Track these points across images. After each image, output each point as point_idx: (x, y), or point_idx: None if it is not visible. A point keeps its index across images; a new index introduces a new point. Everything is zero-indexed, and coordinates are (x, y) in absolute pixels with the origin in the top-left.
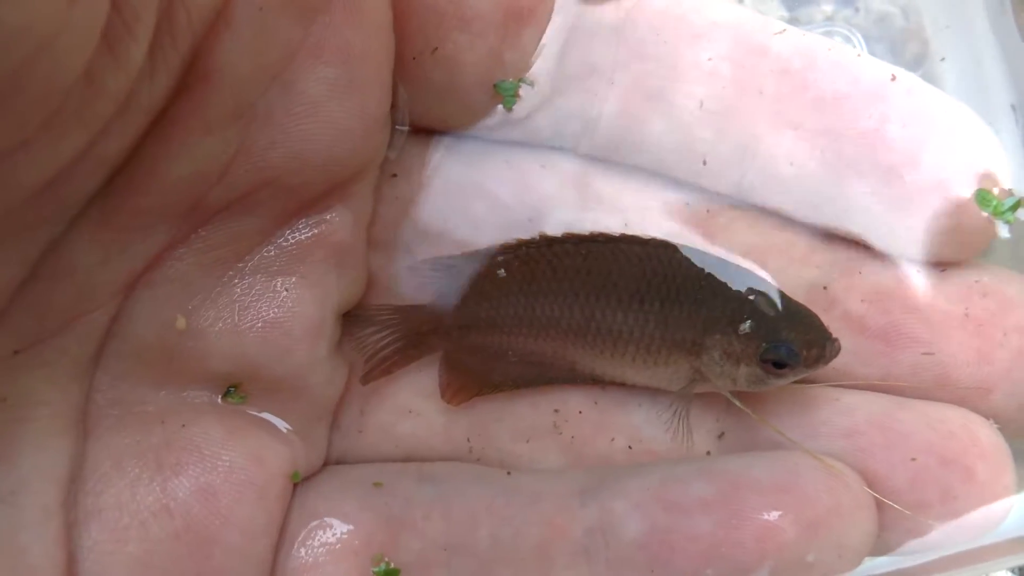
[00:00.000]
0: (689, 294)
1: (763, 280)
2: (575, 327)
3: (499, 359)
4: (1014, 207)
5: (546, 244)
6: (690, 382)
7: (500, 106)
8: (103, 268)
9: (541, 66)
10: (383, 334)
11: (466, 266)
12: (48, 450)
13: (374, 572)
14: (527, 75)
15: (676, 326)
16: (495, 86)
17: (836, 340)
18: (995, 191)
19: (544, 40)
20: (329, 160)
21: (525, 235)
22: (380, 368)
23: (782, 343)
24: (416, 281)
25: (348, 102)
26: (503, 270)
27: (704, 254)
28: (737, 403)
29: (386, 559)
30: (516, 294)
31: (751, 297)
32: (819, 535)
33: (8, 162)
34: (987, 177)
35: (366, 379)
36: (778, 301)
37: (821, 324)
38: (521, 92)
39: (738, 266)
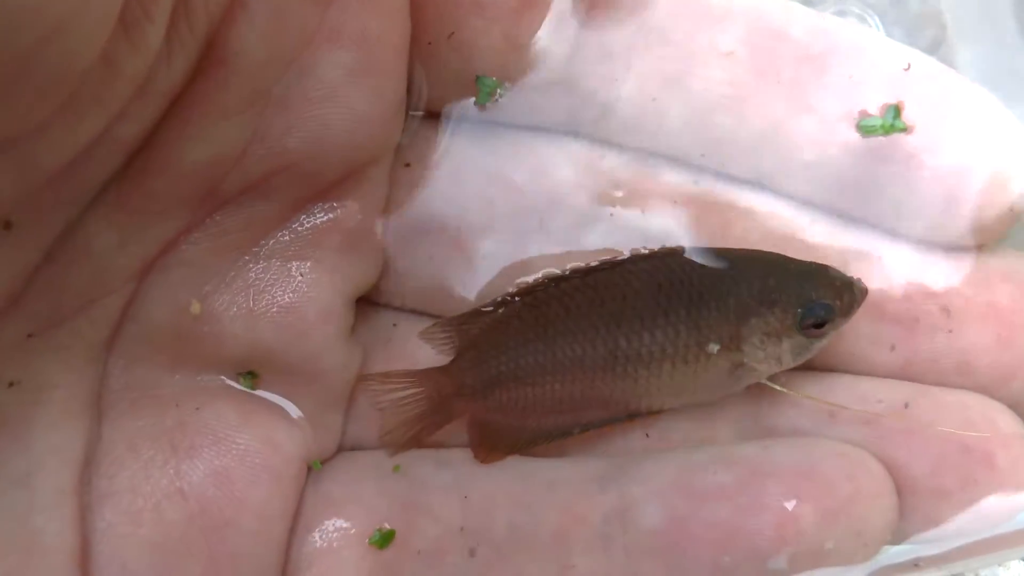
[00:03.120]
0: (711, 291)
1: (766, 253)
2: (601, 361)
3: (529, 413)
4: (896, 114)
5: (553, 283)
6: (734, 380)
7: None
8: (119, 252)
9: (557, 51)
10: (404, 400)
11: (478, 322)
12: (62, 433)
13: (369, 541)
14: (506, 81)
15: (708, 326)
16: (476, 79)
17: (860, 280)
18: (873, 112)
19: (560, 24)
20: (345, 145)
21: (533, 261)
22: (408, 440)
23: (815, 303)
24: (431, 345)
25: (365, 87)
26: (518, 320)
27: (707, 249)
28: (778, 388)
29: (377, 526)
30: (534, 341)
31: (766, 272)
32: (838, 522)
33: (27, 145)
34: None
35: (394, 450)
36: (790, 267)
37: (839, 272)
38: (499, 94)
39: (740, 249)
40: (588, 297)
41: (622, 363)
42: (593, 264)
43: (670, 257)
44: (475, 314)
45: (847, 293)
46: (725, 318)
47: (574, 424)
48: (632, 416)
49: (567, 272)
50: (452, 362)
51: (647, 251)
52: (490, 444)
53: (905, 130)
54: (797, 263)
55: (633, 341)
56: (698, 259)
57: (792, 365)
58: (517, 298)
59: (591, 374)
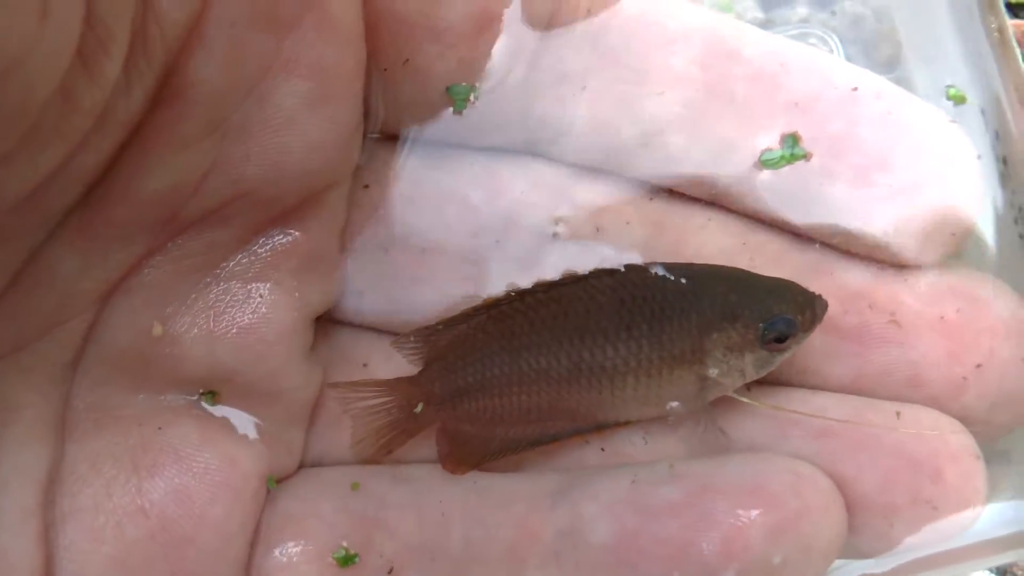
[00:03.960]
0: (673, 305)
1: (730, 268)
2: (566, 374)
3: (497, 424)
4: (794, 143)
5: (518, 297)
6: (699, 393)
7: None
8: (82, 277)
9: (512, 73)
10: (374, 409)
11: (446, 333)
12: (27, 453)
13: (333, 558)
14: (479, 83)
15: (671, 340)
16: (447, 89)
17: (821, 296)
18: (773, 148)
19: (515, 48)
20: (303, 172)
21: (501, 283)
22: (378, 449)
23: (777, 317)
24: (401, 354)
25: (321, 115)
26: (483, 332)
27: (670, 264)
28: (746, 400)
29: (343, 544)
30: (499, 353)
31: (728, 288)
32: (786, 537)
33: None
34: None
35: (365, 460)
36: (752, 282)
37: (802, 288)
38: (473, 98)
39: (703, 264)
40: (552, 311)
41: (586, 375)
42: (557, 278)
43: (633, 272)
44: (443, 325)
45: (809, 308)
46: (687, 333)
47: (542, 434)
48: (600, 427)
49: (532, 286)
50: (420, 372)
51: (609, 267)
52: (459, 455)
53: (805, 157)
54: (760, 278)
55: (596, 354)
56: (661, 274)
57: (756, 377)
58: (483, 311)
59: (556, 386)
